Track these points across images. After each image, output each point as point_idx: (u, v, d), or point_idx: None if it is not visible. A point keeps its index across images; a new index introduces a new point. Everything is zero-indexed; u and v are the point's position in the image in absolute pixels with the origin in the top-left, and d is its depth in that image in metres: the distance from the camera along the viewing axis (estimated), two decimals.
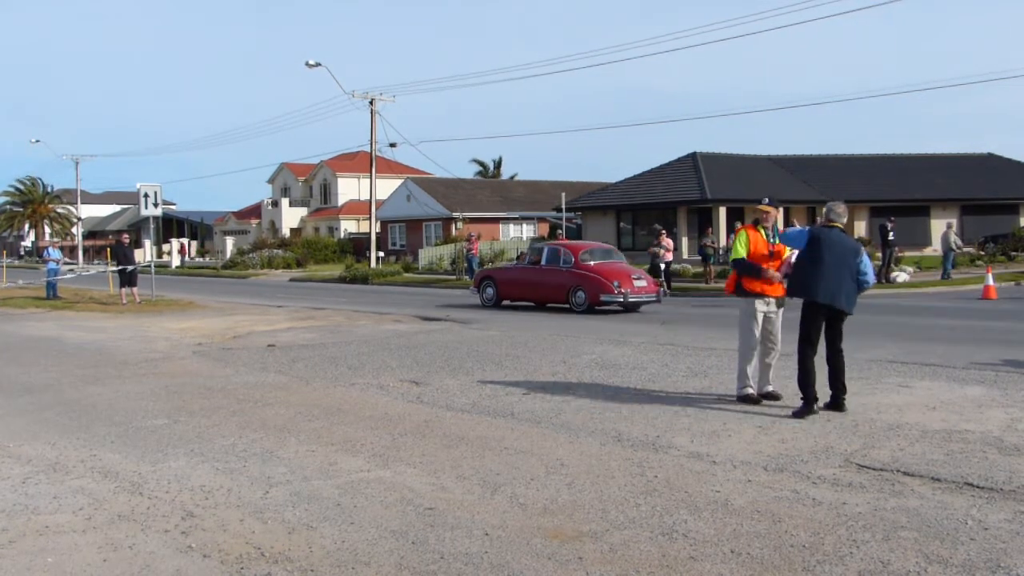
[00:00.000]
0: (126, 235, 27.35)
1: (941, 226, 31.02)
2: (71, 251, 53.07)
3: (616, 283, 18.73)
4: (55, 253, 27.00)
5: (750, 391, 8.32)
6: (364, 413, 8.27)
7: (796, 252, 8.04)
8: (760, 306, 8.32)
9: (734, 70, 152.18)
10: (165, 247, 63.80)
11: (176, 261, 57.77)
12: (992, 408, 7.80)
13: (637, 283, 19.12)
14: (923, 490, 5.45)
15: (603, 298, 18.83)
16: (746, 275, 8.33)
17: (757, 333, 8.31)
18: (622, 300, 18.76)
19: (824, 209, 7.95)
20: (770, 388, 8.42)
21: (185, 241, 64.81)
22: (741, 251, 8.35)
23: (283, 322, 17.64)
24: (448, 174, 56.81)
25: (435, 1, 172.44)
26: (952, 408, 7.83)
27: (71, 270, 32.14)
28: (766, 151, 46.72)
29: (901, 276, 25.94)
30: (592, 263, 19.46)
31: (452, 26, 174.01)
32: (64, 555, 4.64)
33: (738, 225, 26.77)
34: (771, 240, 8.44)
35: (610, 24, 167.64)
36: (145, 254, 51.23)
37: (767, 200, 8.70)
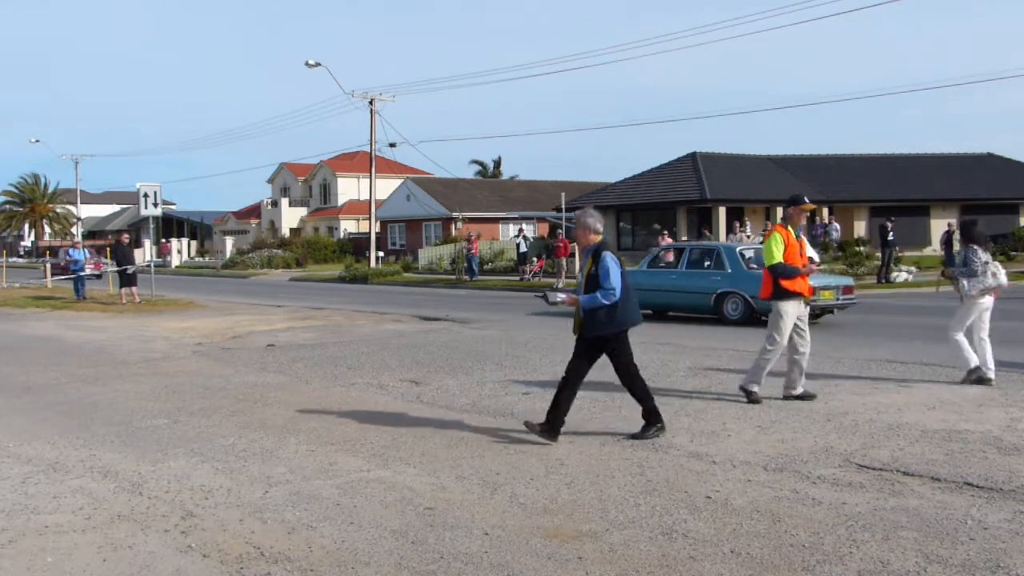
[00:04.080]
0: (126, 235, 27.32)
1: (941, 226, 31.02)
2: (98, 251, 52.76)
3: None
4: (77, 253, 26.82)
5: (757, 390, 8.27)
6: (364, 413, 8.27)
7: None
8: (797, 308, 8.30)
9: (734, 70, 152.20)
10: (169, 245, 63.76)
11: (148, 257, 57.70)
12: (992, 408, 7.80)
13: None
14: (923, 490, 5.46)
15: None
16: (785, 277, 8.20)
17: (787, 335, 8.23)
18: None
19: (588, 221, 6.95)
20: (802, 390, 8.36)
21: (179, 241, 64.64)
22: (777, 254, 8.19)
23: (283, 322, 17.63)
24: (448, 174, 56.92)
25: (435, 1, 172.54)
26: (952, 408, 7.83)
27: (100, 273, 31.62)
28: (766, 151, 46.74)
29: (902, 276, 25.94)
30: None
31: (452, 26, 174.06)
32: (64, 555, 4.64)
33: (768, 225, 26.81)
34: (799, 238, 8.48)
35: (609, 24, 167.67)
36: (145, 254, 51.21)
37: (807, 199, 8.65)
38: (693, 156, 41.58)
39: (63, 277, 29.85)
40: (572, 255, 32.90)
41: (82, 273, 25.77)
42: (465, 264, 33.54)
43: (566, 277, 29.11)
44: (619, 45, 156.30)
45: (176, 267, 55.96)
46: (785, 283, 8.20)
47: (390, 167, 51.38)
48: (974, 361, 9.20)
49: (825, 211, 41.35)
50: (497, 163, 74.54)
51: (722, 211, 37.29)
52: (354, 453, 6.68)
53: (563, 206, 40.39)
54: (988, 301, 9.27)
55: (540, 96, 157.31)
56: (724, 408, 8.06)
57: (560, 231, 33.03)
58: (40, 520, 5.22)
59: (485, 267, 36.05)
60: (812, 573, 4.20)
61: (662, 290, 17.56)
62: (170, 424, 7.92)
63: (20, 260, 67.21)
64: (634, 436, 6.92)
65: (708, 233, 30.69)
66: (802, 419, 7.51)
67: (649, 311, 16.98)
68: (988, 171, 44.05)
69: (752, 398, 8.24)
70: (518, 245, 34.69)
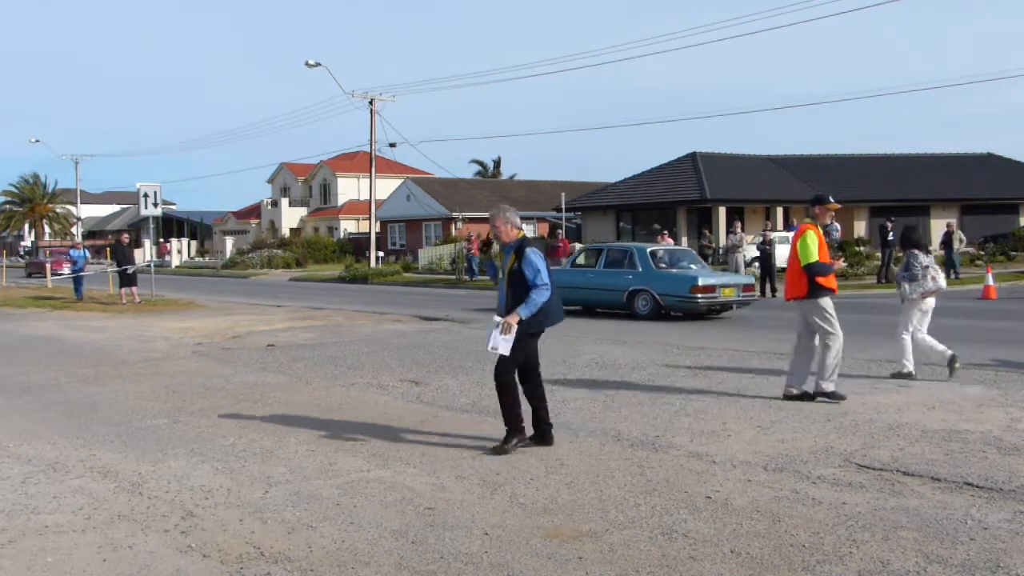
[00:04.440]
0: (125, 235, 27.31)
1: (941, 226, 31.01)
2: (97, 251, 52.97)
3: None
4: (77, 253, 26.80)
5: (835, 388, 8.26)
6: (364, 413, 8.27)
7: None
8: (832, 302, 8.43)
9: (734, 70, 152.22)
10: (167, 245, 63.78)
11: (148, 257, 57.73)
12: (992, 408, 7.80)
13: None
14: (923, 490, 5.45)
15: None
16: (821, 275, 8.32)
17: (838, 323, 8.37)
18: None
19: (509, 215, 6.75)
20: (802, 390, 8.40)
21: (179, 241, 64.66)
22: (814, 254, 8.29)
23: (282, 322, 17.63)
24: (448, 174, 56.94)
25: (435, 1, 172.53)
26: (952, 408, 7.83)
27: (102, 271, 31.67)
28: (766, 151, 46.78)
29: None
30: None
31: (452, 26, 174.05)
32: (64, 555, 4.64)
33: (796, 224, 26.77)
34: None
35: (609, 24, 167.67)
36: (145, 254, 51.22)
37: (832, 198, 8.81)
38: (693, 156, 41.60)
39: (60, 277, 29.86)
40: (572, 255, 32.92)
41: (83, 273, 25.75)
42: (465, 264, 33.54)
43: None
44: (619, 45, 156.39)
45: (176, 267, 55.97)
46: (820, 280, 8.33)
47: (390, 167, 51.41)
48: (909, 366, 9.57)
49: None
50: (497, 163, 74.60)
51: (722, 211, 37.31)
52: (354, 453, 6.68)
53: (563, 206, 40.44)
54: (930, 302, 9.74)
55: (540, 96, 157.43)
56: (724, 408, 8.06)
57: (560, 231, 33.08)
58: (40, 520, 5.22)
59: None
60: (812, 573, 4.20)
61: (583, 288, 18.46)
62: (170, 424, 7.92)
63: (21, 260, 67.24)
64: (494, 450, 6.55)
65: (708, 233, 30.70)
66: (802, 419, 7.51)
67: (577, 307, 18.46)
68: (988, 171, 44.08)
69: (835, 396, 8.21)
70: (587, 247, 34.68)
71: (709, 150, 42.75)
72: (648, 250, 18.15)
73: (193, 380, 10.42)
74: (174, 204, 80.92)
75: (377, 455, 6.60)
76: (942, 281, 9.69)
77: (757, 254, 24.39)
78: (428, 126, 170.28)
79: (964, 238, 28.39)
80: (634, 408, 8.16)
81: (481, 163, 73.95)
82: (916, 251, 9.83)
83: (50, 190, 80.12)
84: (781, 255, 25.64)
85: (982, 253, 33.24)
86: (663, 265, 17.77)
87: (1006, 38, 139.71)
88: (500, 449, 6.52)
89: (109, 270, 26.68)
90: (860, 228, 40.26)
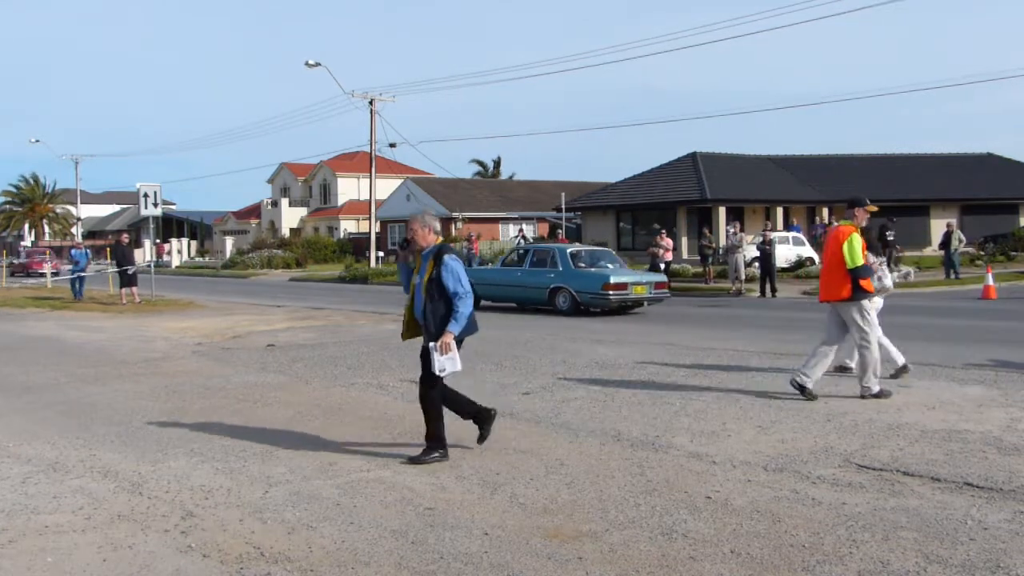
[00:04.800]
0: (125, 235, 27.31)
1: (941, 226, 31.04)
2: (97, 252, 53.15)
3: None
4: (78, 254, 26.80)
5: (878, 386, 8.34)
6: (364, 413, 8.27)
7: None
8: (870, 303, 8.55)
9: (734, 70, 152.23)
10: (164, 247, 63.81)
11: (148, 258, 57.79)
12: (992, 408, 7.80)
13: None
14: (923, 490, 5.46)
15: None
16: (865, 277, 8.43)
17: (876, 324, 8.51)
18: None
19: (429, 219, 6.52)
20: (813, 386, 8.44)
21: (179, 241, 64.70)
22: (860, 256, 8.37)
23: (282, 322, 17.63)
24: (448, 174, 56.97)
25: (435, 1, 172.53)
26: (952, 408, 7.83)
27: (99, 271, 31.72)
28: (766, 151, 46.77)
29: (887, 279, 25.93)
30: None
31: (452, 26, 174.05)
32: (64, 555, 4.64)
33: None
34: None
35: (610, 24, 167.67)
36: (145, 254, 51.25)
37: (868, 200, 8.88)
38: (693, 156, 41.59)
39: (58, 277, 29.85)
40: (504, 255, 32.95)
41: (83, 274, 25.75)
42: (465, 264, 33.54)
43: None
44: (620, 45, 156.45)
45: (176, 267, 55.98)
46: (863, 283, 8.40)
47: (390, 167, 51.44)
48: (901, 359, 9.69)
49: (825, 211, 41.37)
50: (497, 163, 74.63)
51: (722, 211, 37.29)
52: (354, 453, 6.68)
53: (563, 206, 40.44)
54: (878, 302, 9.87)
55: (540, 96, 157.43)
56: (724, 408, 8.06)
57: (560, 231, 33.06)
58: (40, 520, 5.22)
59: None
60: (812, 573, 4.20)
61: (512, 285, 19.81)
62: (170, 424, 7.91)
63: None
64: (413, 460, 6.36)
65: (708, 232, 30.66)
66: (802, 419, 7.51)
67: (513, 303, 19.98)
68: (988, 171, 44.07)
69: (882, 394, 8.28)
70: (518, 245, 34.70)
71: (709, 150, 42.74)
72: (568, 251, 19.44)
73: (193, 380, 10.42)
74: (174, 204, 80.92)
75: (377, 455, 6.61)
76: (889, 282, 9.99)
77: (757, 254, 24.38)
78: (428, 126, 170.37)
79: (963, 238, 28.38)
80: (634, 408, 8.16)
81: (481, 163, 74.03)
82: (868, 252, 10.00)
83: (49, 190, 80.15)
84: (781, 255, 25.71)
85: (982, 253, 33.23)
86: (582, 265, 18.92)
87: (1006, 38, 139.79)
88: (416, 460, 6.31)
89: (109, 270, 26.68)
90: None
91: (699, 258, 29.75)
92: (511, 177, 71.35)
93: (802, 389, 8.32)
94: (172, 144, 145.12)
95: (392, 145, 41.60)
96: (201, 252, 67.98)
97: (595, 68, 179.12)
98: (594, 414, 7.92)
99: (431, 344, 6.29)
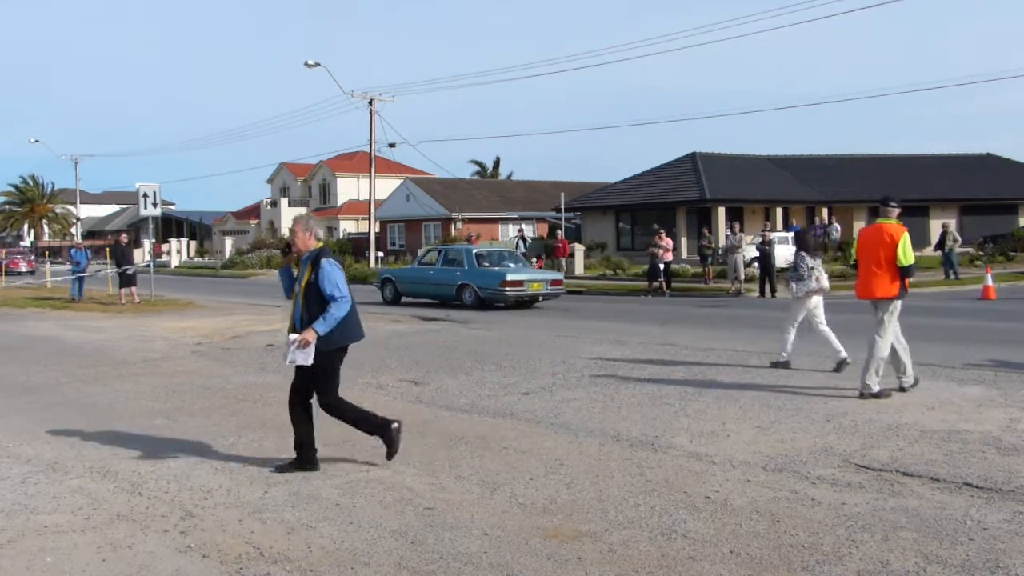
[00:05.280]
0: (124, 235, 27.28)
1: (940, 226, 31.03)
2: (97, 252, 53.20)
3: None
4: (78, 254, 26.76)
5: (879, 386, 8.42)
6: None
7: None
8: None
9: (734, 70, 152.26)
10: (164, 247, 63.80)
11: (147, 257, 57.75)
12: (991, 408, 7.80)
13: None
14: (922, 490, 5.46)
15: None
16: (912, 276, 8.57)
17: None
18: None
19: (310, 223, 6.36)
20: (911, 381, 8.65)
21: (178, 241, 64.65)
22: (912, 255, 8.44)
23: (282, 322, 17.61)
24: (447, 174, 56.93)
25: (435, 1, 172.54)
26: (951, 408, 7.83)
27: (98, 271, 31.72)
28: (766, 151, 46.76)
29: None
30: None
31: (452, 26, 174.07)
32: (63, 555, 4.63)
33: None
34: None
35: (610, 24, 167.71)
36: (144, 254, 51.24)
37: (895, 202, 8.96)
38: (693, 156, 41.58)
39: (59, 278, 29.83)
40: (572, 255, 32.95)
41: (83, 274, 25.73)
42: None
43: (565, 277, 29.13)
44: (619, 45, 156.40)
45: (175, 267, 55.96)
46: (907, 282, 8.52)
47: (389, 167, 51.38)
48: (786, 355, 10.41)
49: (825, 211, 41.37)
50: (496, 163, 74.60)
51: (722, 211, 37.30)
52: (354, 453, 6.68)
53: (563, 206, 40.42)
54: (816, 300, 10.45)
55: (540, 96, 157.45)
56: (724, 408, 8.06)
57: (560, 231, 33.09)
58: (40, 520, 5.22)
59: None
60: (811, 573, 4.20)
61: (427, 283, 21.88)
62: (170, 424, 7.92)
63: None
64: (281, 468, 6.22)
65: (708, 232, 30.65)
66: (801, 419, 7.51)
67: (430, 299, 21.87)
68: (988, 171, 44.08)
69: (881, 394, 8.31)
70: (517, 245, 34.69)
71: (709, 150, 42.74)
72: (474, 251, 21.67)
73: (193, 380, 10.42)
74: (174, 204, 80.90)
75: (377, 455, 6.60)
76: (825, 282, 10.54)
77: (756, 254, 24.37)
78: (428, 126, 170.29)
79: (959, 238, 28.40)
80: (634, 408, 8.16)
81: (480, 163, 74.01)
82: (804, 254, 10.60)
83: (48, 190, 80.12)
84: (780, 255, 25.67)
85: (981, 253, 33.22)
86: (485, 264, 20.96)
87: (1006, 38, 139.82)
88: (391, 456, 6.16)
89: (109, 271, 26.66)
90: (860, 228, 40.22)
91: (699, 258, 29.75)
92: (510, 177, 71.33)
93: (879, 394, 8.33)
94: (172, 144, 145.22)
95: (392, 145, 41.60)
96: (200, 252, 67.93)
97: (595, 68, 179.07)
98: (594, 414, 7.92)
99: (290, 336, 6.03)
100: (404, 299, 22.47)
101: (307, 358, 6.02)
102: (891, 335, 8.48)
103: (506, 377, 10.09)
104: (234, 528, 5.02)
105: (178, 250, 62.20)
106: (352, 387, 9.69)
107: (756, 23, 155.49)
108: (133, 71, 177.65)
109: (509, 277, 19.99)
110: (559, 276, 22.41)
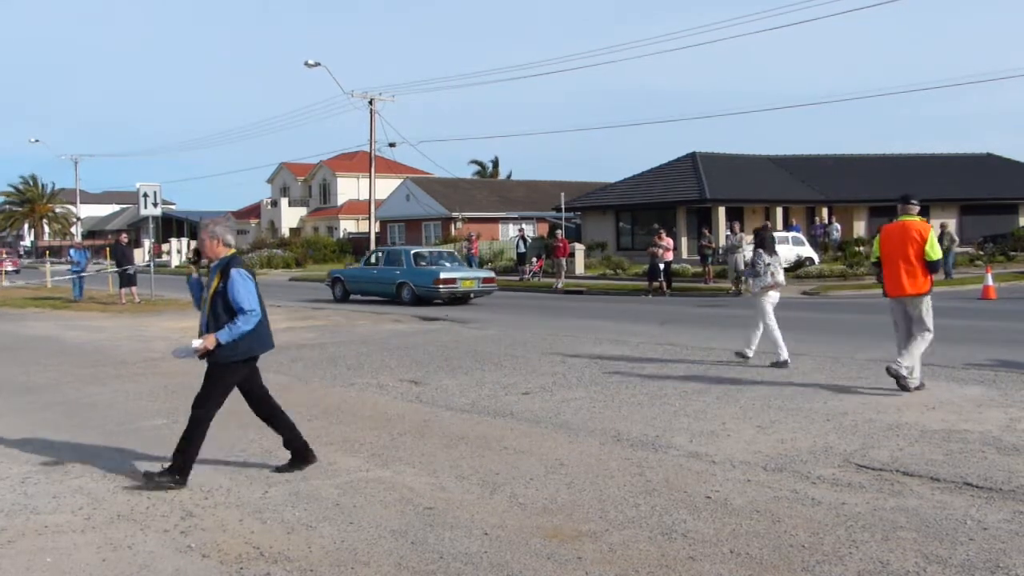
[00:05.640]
0: (125, 235, 27.28)
1: (939, 226, 31.03)
2: (97, 251, 53.27)
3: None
4: (77, 254, 26.75)
5: (918, 380, 8.62)
6: (363, 413, 8.27)
7: None
8: None
9: (734, 70, 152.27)
10: (164, 247, 63.79)
11: (147, 257, 57.84)
12: (991, 408, 7.80)
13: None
14: (922, 490, 5.46)
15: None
16: (937, 271, 8.72)
17: None
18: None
19: (217, 229, 6.10)
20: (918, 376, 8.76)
21: (178, 241, 64.57)
22: (939, 250, 8.63)
23: (282, 322, 17.62)
24: (447, 174, 56.86)
25: (435, 1, 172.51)
26: (951, 408, 7.83)
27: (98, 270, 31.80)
28: (766, 151, 46.74)
29: None
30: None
31: (452, 26, 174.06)
32: (63, 555, 4.63)
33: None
34: None
35: (610, 24, 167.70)
36: (144, 254, 51.25)
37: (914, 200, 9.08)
38: (693, 156, 41.58)
39: (60, 278, 29.85)
40: (572, 255, 32.92)
41: (83, 274, 25.73)
42: (465, 264, 33.53)
43: (565, 277, 29.11)
44: (619, 45, 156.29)
45: (176, 267, 55.95)
46: (933, 276, 8.66)
47: (390, 167, 51.36)
48: (784, 355, 10.52)
49: (825, 211, 41.37)
50: (496, 163, 74.62)
51: (722, 211, 37.30)
52: (354, 453, 6.68)
53: (563, 206, 40.43)
54: (773, 296, 10.88)
55: (540, 96, 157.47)
56: (723, 408, 8.06)
57: (559, 231, 33.09)
58: (40, 520, 5.22)
59: (485, 267, 36.04)
60: (812, 573, 4.20)
61: (370, 281, 23.50)
62: (170, 424, 7.91)
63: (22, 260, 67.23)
64: (280, 468, 6.15)
65: (708, 232, 30.64)
66: (801, 419, 7.51)
67: (376, 297, 23.21)
68: (988, 171, 44.07)
69: (923, 387, 8.56)
70: (517, 245, 34.67)
71: (709, 150, 42.74)
72: (412, 252, 23.36)
73: (192, 380, 10.37)
74: (174, 204, 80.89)
75: (377, 455, 6.61)
76: (781, 277, 10.99)
77: None
78: (428, 126, 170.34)
79: (956, 238, 28.41)
80: (634, 408, 8.16)
81: (480, 163, 74.03)
82: (761, 251, 11.05)
83: (48, 190, 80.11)
84: (780, 255, 25.66)
85: (981, 253, 33.22)
86: (422, 263, 22.58)
87: (1006, 38, 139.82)
88: (150, 476, 5.82)
89: (108, 270, 26.66)
90: (860, 228, 40.25)
91: (699, 258, 29.74)
92: (509, 177, 71.32)
93: (905, 387, 8.52)
94: (172, 144, 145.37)
95: (392, 145, 41.51)
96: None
97: (594, 68, 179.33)
98: (594, 414, 7.92)
99: (194, 342, 5.82)
100: (352, 296, 23.88)
101: (191, 356, 5.93)
102: (931, 329, 8.66)
103: (506, 377, 10.09)
104: (234, 528, 5.02)
105: (178, 250, 62.12)
106: (352, 387, 9.70)
107: (756, 23, 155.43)
108: (133, 71, 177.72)
109: (442, 275, 21.55)
110: (491, 275, 23.90)
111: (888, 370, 8.49)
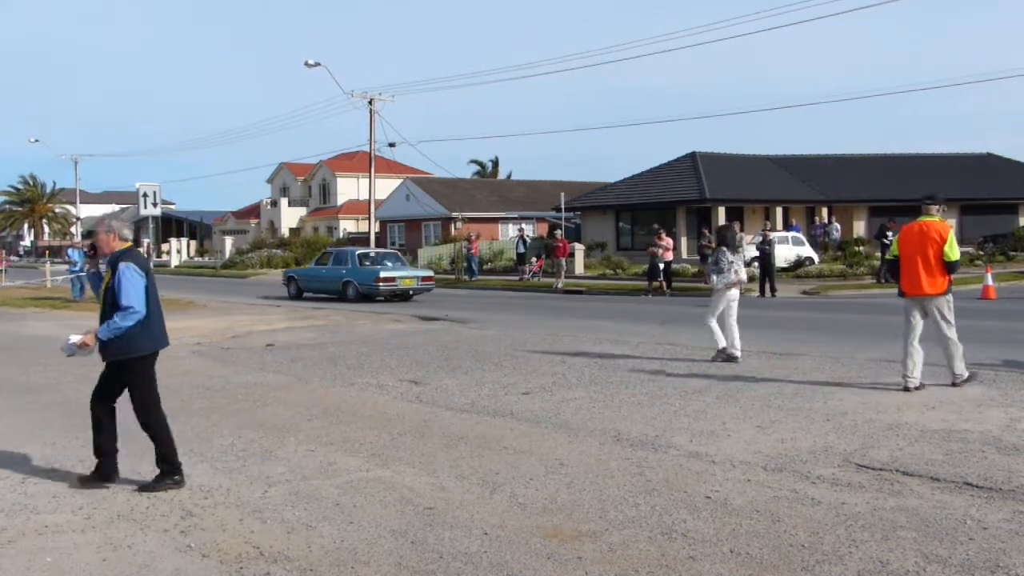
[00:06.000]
0: None
1: None
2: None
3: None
4: (76, 254, 26.73)
5: (966, 372, 8.80)
6: (363, 413, 8.27)
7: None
8: None
9: (734, 70, 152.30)
10: (164, 247, 63.79)
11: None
12: (991, 408, 7.80)
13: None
14: (922, 490, 5.46)
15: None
16: (954, 272, 8.77)
17: None
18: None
19: (113, 224, 6.05)
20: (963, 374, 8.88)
21: (178, 240, 64.59)
22: (958, 251, 8.71)
23: (282, 322, 17.63)
24: (447, 174, 56.83)
25: (435, 1, 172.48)
26: (951, 408, 7.83)
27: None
28: (766, 151, 46.73)
29: None
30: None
31: (452, 26, 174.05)
32: (63, 555, 4.63)
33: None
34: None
35: (610, 24, 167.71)
36: (144, 254, 51.18)
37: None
38: (692, 156, 41.58)
39: (60, 277, 29.82)
40: (572, 255, 32.92)
41: (82, 274, 25.70)
42: (465, 264, 33.53)
43: (565, 277, 29.11)
44: (619, 45, 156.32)
45: (175, 267, 55.97)
46: (951, 276, 8.74)
47: (389, 167, 51.32)
48: (722, 343, 10.97)
49: (825, 211, 41.37)
50: (496, 163, 74.59)
51: (721, 211, 37.30)
52: (353, 453, 6.68)
53: (562, 206, 40.44)
54: (734, 293, 11.19)
55: (540, 96, 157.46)
56: (723, 408, 8.06)
57: (559, 231, 33.10)
58: (40, 520, 5.22)
59: (484, 267, 36.06)
60: (812, 573, 4.20)
61: (320, 279, 25.05)
62: (169, 424, 7.90)
63: (19, 260, 67.24)
64: (144, 488, 5.81)
65: (707, 232, 30.65)
66: (801, 419, 7.51)
67: (325, 294, 24.54)
68: (988, 171, 44.06)
69: (972, 378, 8.78)
70: (517, 245, 34.67)
71: (709, 150, 42.74)
72: (357, 253, 24.99)
73: (192, 380, 10.41)
74: (174, 204, 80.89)
75: (377, 455, 6.60)
76: (743, 275, 11.47)
77: (756, 254, 24.37)
78: (428, 126, 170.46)
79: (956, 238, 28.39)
80: (633, 408, 8.16)
81: (480, 163, 73.99)
82: (724, 248, 11.35)
83: (48, 190, 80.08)
84: (780, 255, 25.67)
85: (981, 253, 33.22)
86: (366, 263, 24.15)
87: (1006, 38, 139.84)
88: (148, 487, 5.76)
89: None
90: (860, 228, 40.26)
91: (698, 258, 29.74)
92: (509, 177, 71.31)
93: (971, 377, 8.75)
94: (172, 144, 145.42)
95: (391, 145, 41.47)
96: (201, 252, 67.91)
97: (594, 68, 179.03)
98: (594, 414, 7.92)
99: (73, 336, 5.84)
100: (305, 294, 25.38)
101: (72, 353, 5.96)
102: (954, 325, 8.73)
103: (506, 377, 10.09)
104: (234, 527, 5.02)
105: (178, 250, 62.14)
106: (352, 387, 9.70)
107: (756, 23, 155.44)
108: (133, 71, 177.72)
109: (382, 274, 23.14)
110: (430, 273, 25.44)
111: (955, 384, 8.71)
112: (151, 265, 6.40)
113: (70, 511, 5.37)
